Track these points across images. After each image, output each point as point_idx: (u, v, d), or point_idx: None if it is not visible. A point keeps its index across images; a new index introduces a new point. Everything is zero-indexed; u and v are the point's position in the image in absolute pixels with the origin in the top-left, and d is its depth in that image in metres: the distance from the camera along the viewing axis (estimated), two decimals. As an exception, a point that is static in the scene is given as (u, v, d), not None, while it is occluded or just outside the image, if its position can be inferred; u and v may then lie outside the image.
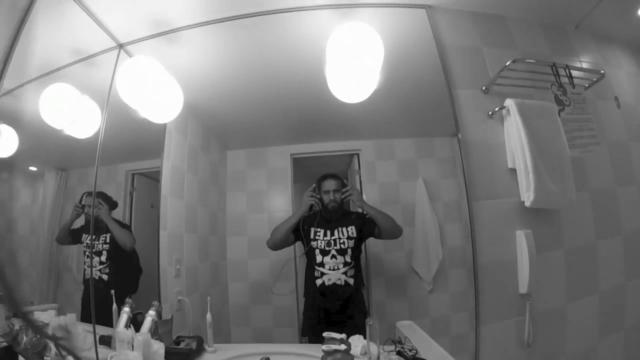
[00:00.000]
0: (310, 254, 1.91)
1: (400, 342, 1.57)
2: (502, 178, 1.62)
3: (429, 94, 1.83)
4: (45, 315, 1.60)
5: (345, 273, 1.84)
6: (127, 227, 1.88)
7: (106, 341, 1.62)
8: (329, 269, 1.85)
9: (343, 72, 1.57)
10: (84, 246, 1.81)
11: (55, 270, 1.82)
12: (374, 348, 1.44)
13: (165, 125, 1.90)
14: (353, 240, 1.87)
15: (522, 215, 1.60)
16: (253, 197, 2.03)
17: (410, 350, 1.49)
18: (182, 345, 1.64)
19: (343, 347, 1.27)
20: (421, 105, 1.94)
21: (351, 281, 1.84)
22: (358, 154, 2.02)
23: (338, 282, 1.84)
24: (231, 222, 2.01)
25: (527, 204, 1.54)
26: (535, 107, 1.61)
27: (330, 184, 1.92)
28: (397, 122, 2.02)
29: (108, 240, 1.82)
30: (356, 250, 1.88)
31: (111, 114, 1.79)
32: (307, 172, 2.03)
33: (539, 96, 1.69)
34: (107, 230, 1.82)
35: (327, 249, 1.87)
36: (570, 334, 1.68)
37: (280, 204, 2.02)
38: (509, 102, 1.59)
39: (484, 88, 1.66)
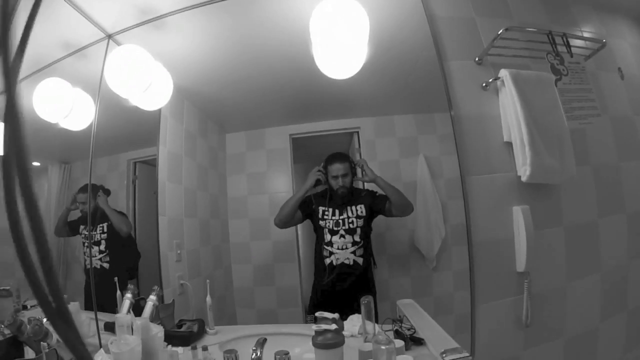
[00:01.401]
0: (319, 233, 1.87)
1: (399, 321, 1.53)
2: (497, 152, 1.55)
3: (425, 67, 1.74)
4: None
5: (354, 252, 1.80)
6: (122, 214, 1.87)
7: (111, 327, 1.61)
8: (338, 249, 1.81)
9: (327, 47, 1.50)
10: (82, 237, 1.81)
11: (64, 262, 1.86)
12: (370, 327, 1.41)
13: (159, 111, 1.87)
14: (362, 219, 1.82)
15: (519, 191, 1.53)
16: (253, 179, 1.99)
17: (408, 330, 1.45)
18: (183, 328, 1.64)
19: (334, 326, 1.22)
20: (418, 80, 1.85)
21: (360, 260, 1.80)
22: (357, 132, 1.95)
23: (346, 262, 1.80)
24: (232, 205, 1.97)
25: (524, 178, 1.47)
26: (531, 78, 1.53)
27: (338, 169, 1.86)
28: (396, 98, 1.95)
29: (105, 230, 1.83)
30: (366, 229, 1.83)
31: (104, 105, 1.78)
32: (307, 152, 1.98)
33: (536, 67, 1.61)
34: (104, 220, 1.82)
35: (335, 228, 1.83)
36: (570, 315, 1.63)
37: (281, 185, 1.97)
38: (504, 73, 1.51)
39: (477, 59, 1.58)
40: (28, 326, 1.38)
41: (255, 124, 2.01)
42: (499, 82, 1.53)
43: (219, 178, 2.00)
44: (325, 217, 1.86)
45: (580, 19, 1.86)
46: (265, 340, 1.41)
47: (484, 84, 1.55)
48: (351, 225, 1.82)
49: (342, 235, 1.81)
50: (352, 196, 1.87)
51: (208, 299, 1.67)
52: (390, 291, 1.84)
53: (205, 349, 1.44)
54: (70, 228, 1.82)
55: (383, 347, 1.13)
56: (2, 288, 1.59)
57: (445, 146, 1.83)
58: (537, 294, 1.52)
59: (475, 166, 1.49)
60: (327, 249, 1.83)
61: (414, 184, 1.86)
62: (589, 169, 1.70)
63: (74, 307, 1.63)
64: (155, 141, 1.87)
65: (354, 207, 1.84)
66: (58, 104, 1.71)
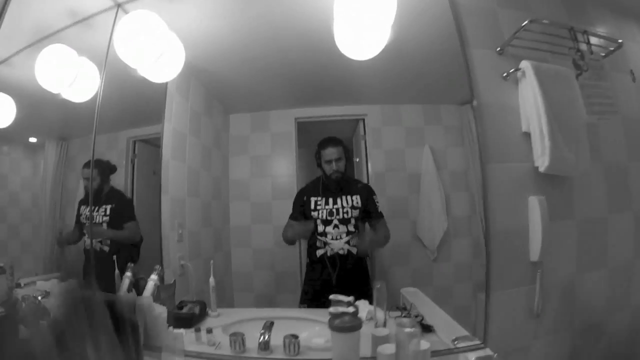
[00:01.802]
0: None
1: (404, 309, 1.51)
2: (515, 142, 1.53)
3: (440, 57, 1.72)
4: (49, 284, 1.58)
5: (348, 242, 1.76)
6: (130, 218, 1.81)
7: None
8: (332, 239, 1.76)
9: (352, 25, 1.44)
10: (83, 218, 1.74)
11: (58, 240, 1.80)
12: (380, 313, 1.38)
13: (166, 86, 1.79)
14: (357, 210, 1.78)
15: (535, 181, 1.52)
16: (256, 162, 1.93)
17: (415, 317, 1.43)
18: (184, 309, 1.59)
19: (351, 309, 1.18)
20: (430, 69, 1.82)
21: (354, 250, 1.76)
22: (364, 119, 1.91)
23: (341, 252, 1.76)
24: (234, 187, 1.92)
25: (542, 169, 1.46)
26: (551, 71, 1.52)
27: (331, 153, 1.81)
28: (405, 87, 1.91)
29: (108, 212, 1.75)
30: (360, 219, 1.79)
31: (109, 77, 1.70)
32: (311, 137, 1.92)
33: (553, 61, 1.59)
34: (109, 202, 1.75)
35: (329, 218, 1.78)
36: (578, 307, 1.63)
37: (284, 170, 1.93)
38: (525, 64, 1.49)
39: (498, 49, 1.55)
40: (23, 304, 1.30)
41: (261, 105, 1.95)
42: (519, 73, 1.52)
43: (222, 159, 1.94)
44: (318, 207, 1.80)
45: (595, 19, 1.86)
46: (272, 323, 1.38)
47: (504, 74, 1.54)
48: (345, 215, 1.77)
49: (335, 226, 1.77)
50: (347, 184, 1.83)
51: (211, 280, 1.62)
52: (391, 280, 1.81)
53: (209, 331, 1.41)
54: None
55: (409, 330, 1.11)
56: None
57: (450, 138, 1.84)
58: (548, 284, 1.52)
59: (494, 154, 1.47)
60: (320, 240, 1.78)
61: (419, 173, 1.83)
62: (600, 165, 1.70)
63: (75, 283, 1.55)
64: (160, 118, 1.80)
65: (349, 197, 1.80)
66: (62, 72, 1.62)
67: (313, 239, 1.80)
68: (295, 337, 1.32)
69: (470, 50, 1.50)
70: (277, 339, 1.33)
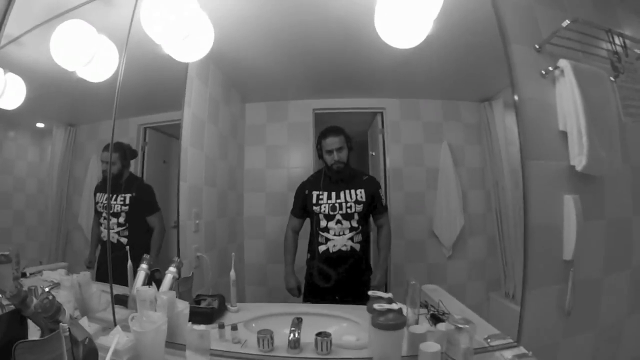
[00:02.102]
0: (313, 218, 1.76)
1: (427, 306, 1.47)
2: (552, 140, 1.51)
3: (466, 52, 1.68)
4: (56, 274, 1.50)
5: (351, 239, 1.70)
6: (155, 209, 1.72)
7: (122, 300, 1.48)
8: (334, 235, 1.71)
9: (399, 12, 1.37)
10: (100, 206, 1.65)
11: (65, 229, 1.71)
12: (413, 311, 1.34)
13: (186, 70, 1.70)
14: (362, 205, 1.72)
15: (570, 180, 1.51)
16: (272, 152, 1.88)
17: (442, 314, 1.40)
18: (202, 304, 1.52)
19: (395, 305, 1.14)
20: (452, 65, 1.78)
21: (357, 247, 1.71)
22: (382, 113, 1.87)
23: (343, 249, 1.70)
24: (249, 177, 1.86)
25: (579, 168, 1.45)
26: (588, 71, 1.51)
27: (332, 142, 1.74)
28: (425, 82, 1.87)
29: (127, 202, 1.66)
30: (364, 215, 1.73)
31: (129, 57, 1.58)
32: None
33: (586, 61, 1.58)
34: (129, 190, 1.66)
35: (331, 213, 1.72)
36: (603, 307, 1.63)
37: (300, 161, 1.88)
38: (564, 63, 1.47)
39: (537, 47, 1.52)
40: (34, 299, 1.18)
41: (279, 95, 1.89)
42: (557, 72, 1.50)
43: (238, 148, 1.87)
44: (320, 201, 1.74)
45: (623, 21, 1.85)
46: (301, 320, 1.32)
47: (543, 72, 1.51)
48: (349, 211, 1.71)
49: (338, 221, 1.71)
50: (350, 176, 1.78)
51: (232, 273, 1.56)
52: (405, 276, 1.77)
53: (234, 328, 1.34)
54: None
55: (464, 327, 1.09)
56: (1, 254, 1.39)
57: (469, 135, 1.82)
58: (579, 283, 1.51)
59: (534, 151, 1.45)
60: (322, 235, 1.72)
61: (436, 169, 1.80)
62: (627, 166, 1.69)
63: (84, 277, 1.47)
64: (178, 103, 1.71)
65: (352, 191, 1.74)
66: (80, 49, 1.51)
67: (315, 234, 1.75)
68: (327, 335, 1.25)
69: (510, 46, 1.47)
70: (303, 336, 1.27)
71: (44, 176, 1.65)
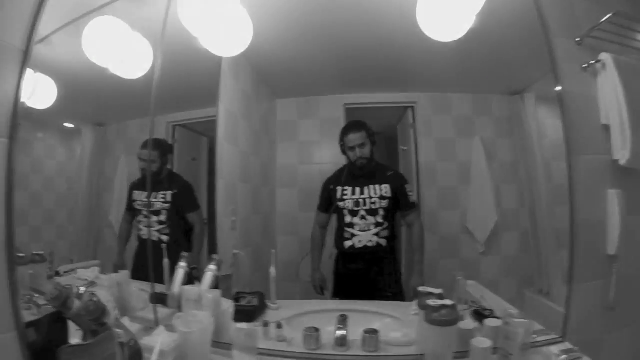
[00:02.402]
0: (338, 214, 1.75)
1: (472, 302, 1.46)
2: (595, 133, 1.49)
3: (501, 45, 1.66)
4: (90, 273, 1.49)
5: (377, 234, 1.68)
6: (196, 206, 1.71)
7: (160, 299, 1.45)
8: (360, 230, 1.69)
9: (445, 6, 1.38)
10: (139, 204, 1.64)
11: (95, 227, 1.72)
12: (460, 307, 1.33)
13: (219, 65, 1.68)
14: (387, 201, 1.69)
15: (614, 174, 1.48)
16: (304, 148, 1.88)
17: (484, 311, 1.38)
18: (242, 302, 1.51)
19: (449, 302, 1.13)
20: (486, 58, 1.75)
21: (384, 243, 1.69)
22: (413, 107, 1.85)
23: (369, 244, 1.68)
24: (282, 173, 1.86)
25: (623, 162, 1.43)
26: (630, 64, 1.48)
27: (355, 139, 1.72)
28: (457, 76, 1.84)
29: (169, 199, 1.64)
30: (390, 211, 1.71)
31: (163, 53, 1.56)
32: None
33: (626, 54, 1.54)
34: (171, 187, 1.65)
35: (355, 209, 1.71)
36: None
37: (332, 157, 1.83)
38: (605, 57, 1.45)
39: (578, 40, 1.50)
40: (77, 301, 1.15)
41: (310, 91, 1.88)
42: (598, 65, 1.47)
43: (270, 144, 1.86)
44: (345, 197, 1.73)
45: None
46: (346, 317, 1.31)
47: (584, 65, 1.49)
48: (373, 206, 1.69)
49: (363, 217, 1.70)
50: (374, 171, 1.75)
51: (272, 270, 1.55)
52: (439, 272, 1.77)
53: (280, 326, 1.32)
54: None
55: (521, 321, 1.11)
56: (35, 253, 1.37)
57: (500, 129, 1.80)
58: (622, 278, 1.48)
59: (578, 146, 1.43)
60: (348, 231, 1.71)
61: (469, 164, 1.79)
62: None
63: (123, 276, 1.46)
64: (210, 100, 1.70)
65: (377, 187, 1.71)
66: (114, 45, 1.49)
67: (341, 230, 1.73)
68: (374, 331, 1.25)
69: (553, 39, 1.45)
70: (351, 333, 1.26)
71: (74, 175, 1.64)
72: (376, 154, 1.76)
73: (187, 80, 1.70)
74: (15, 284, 1.10)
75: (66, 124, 1.57)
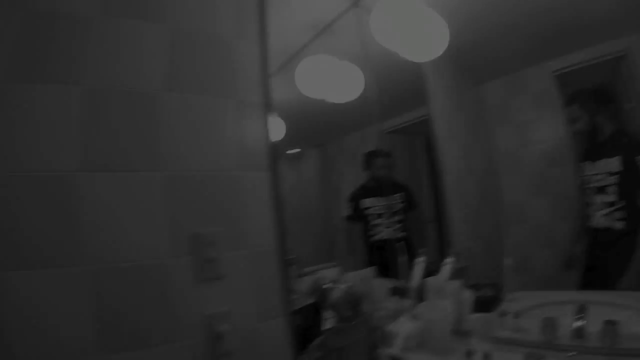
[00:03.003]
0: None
1: None
2: None
3: None
4: (330, 273, 1.72)
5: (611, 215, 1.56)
6: (418, 203, 1.89)
7: (399, 292, 1.68)
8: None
9: None
10: (374, 210, 1.87)
11: (328, 234, 1.97)
12: None
13: (420, 68, 1.83)
14: (616, 176, 1.56)
15: None
16: (520, 130, 1.88)
17: None
18: (479, 293, 1.60)
19: None
20: None
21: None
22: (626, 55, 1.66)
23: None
24: (503, 159, 1.90)
25: None
26: None
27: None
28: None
29: (400, 200, 1.86)
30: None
31: (370, 71, 1.79)
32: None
33: None
34: (397, 190, 1.87)
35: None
36: None
37: (551, 133, 1.81)
38: None
39: None
40: (333, 293, 1.47)
41: (513, 65, 1.88)
42: None
43: (486, 131, 1.91)
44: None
45: None
46: (585, 307, 1.28)
47: None
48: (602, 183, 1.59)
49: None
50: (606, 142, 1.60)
51: (508, 260, 1.57)
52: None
53: (516, 316, 1.38)
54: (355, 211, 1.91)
55: None
56: (289, 257, 1.75)
57: None
58: None
59: None
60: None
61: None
62: None
63: (367, 272, 1.71)
64: (419, 101, 1.84)
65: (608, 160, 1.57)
66: (327, 78, 1.79)
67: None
68: (614, 323, 1.18)
69: None
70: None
71: (304, 192, 1.90)
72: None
73: (392, 89, 1.86)
74: (286, 279, 1.47)
75: (291, 151, 1.80)
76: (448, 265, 1.57)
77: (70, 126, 1.11)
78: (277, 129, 1.56)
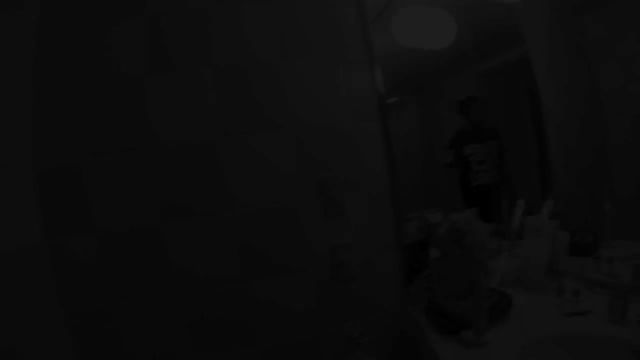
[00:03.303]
0: None
1: None
2: None
3: None
4: (434, 215, 1.84)
5: None
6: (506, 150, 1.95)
7: (500, 233, 1.80)
8: None
9: None
10: (477, 156, 1.94)
11: (431, 179, 2.09)
12: None
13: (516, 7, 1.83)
14: None
15: None
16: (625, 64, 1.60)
17: None
18: (577, 237, 1.60)
19: None
20: None
21: None
22: None
23: None
24: (606, 98, 1.67)
25: None
26: None
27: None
28: None
29: (498, 145, 1.94)
30: None
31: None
32: None
33: None
34: (492, 136, 1.94)
35: None
36: None
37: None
38: None
39: None
40: (438, 230, 1.63)
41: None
42: None
43: (587, 65, 1.72)
44: None
45: None
46: None
47: None
48: None
49: None
50: None
51: (608, 206, 1.53)
52: None
53: (610, 261, 1.42)
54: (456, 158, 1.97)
55: None
56: None
57: None
58: None
59: None
60: None
61: None
62: None
63: (471, 213, 1.75)
64: (514, 41, 1.85)
65: None
66: (422, 27, 1.89)
67: None
68: None
69: None
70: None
71: (405, 138, 1.94)
72: None
73: (489, 28, 1.91)
74: (397, 217, 1.71)
75: (391, 99, 1.81)
76: (547, 207, 1.65)
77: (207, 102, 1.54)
78: (380, 81, 1.75)
